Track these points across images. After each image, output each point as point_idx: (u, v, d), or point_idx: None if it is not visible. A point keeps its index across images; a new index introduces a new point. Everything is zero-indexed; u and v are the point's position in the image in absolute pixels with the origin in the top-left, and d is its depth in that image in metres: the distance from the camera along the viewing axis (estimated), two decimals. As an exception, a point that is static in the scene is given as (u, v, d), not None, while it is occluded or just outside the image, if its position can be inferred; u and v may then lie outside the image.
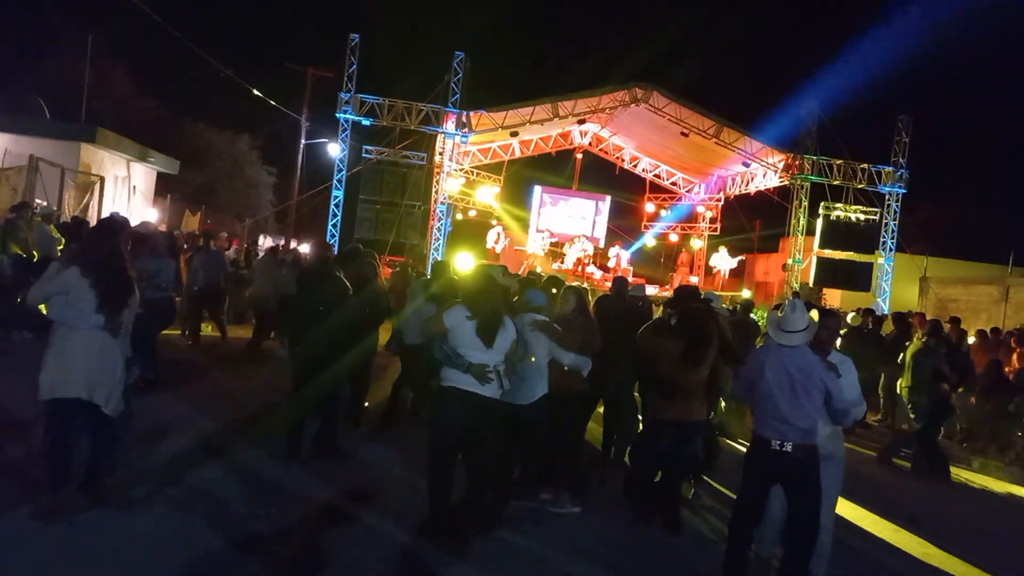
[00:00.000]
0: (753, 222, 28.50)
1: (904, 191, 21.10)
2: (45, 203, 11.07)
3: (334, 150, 20.42)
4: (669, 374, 5.17)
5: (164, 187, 20.51)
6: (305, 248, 24.96)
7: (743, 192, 24.55)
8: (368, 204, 19.94)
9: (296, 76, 24.53)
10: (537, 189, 25.13)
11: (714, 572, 4.43)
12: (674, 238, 26.92)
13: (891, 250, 21.29)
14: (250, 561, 4.09)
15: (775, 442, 4.19)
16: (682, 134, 21.35)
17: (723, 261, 24.02)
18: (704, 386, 5.25)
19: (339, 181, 19.92)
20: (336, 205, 19.93)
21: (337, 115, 19.50)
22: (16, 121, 14.85)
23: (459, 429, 4.50)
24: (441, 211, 20.74)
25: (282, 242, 22.41)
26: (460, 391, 4.44)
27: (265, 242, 21.91)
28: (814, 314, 4.58)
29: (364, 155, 19.93)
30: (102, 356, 4.27)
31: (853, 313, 12.07)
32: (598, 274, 22.33)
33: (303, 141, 25.23)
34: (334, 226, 19.86)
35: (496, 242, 23.36)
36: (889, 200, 21.24)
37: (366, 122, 19.55)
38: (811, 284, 21.95)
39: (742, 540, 4.42)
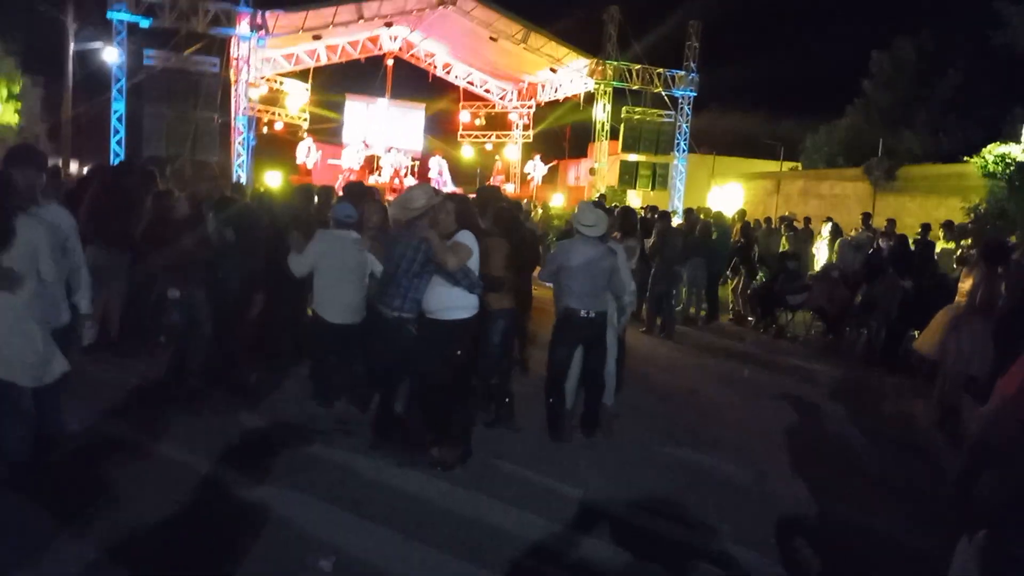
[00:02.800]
0: (564, 128, 29.41)
1: (695, 94, 22.59)
2: None
3: (111, 55, 18.17)
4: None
5: None
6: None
7: (552, 98, 25.14)
8: (156, 116, 18.12)
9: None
10: (352, 99, 24.10)
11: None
12: (489, 147, 27.18)
13: (684, 151, 22.91)
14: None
15: (583, 312, 5.15)
16: (491, 39, 21.25)
17: (537, 168, 24.73)
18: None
19: (119, 91, 17.86)
20: (118, 119, 17.92)
21: (109, 15, 17.28)
22: None
23: None
24: (243, 123, 19.32)
25: (59, 163, 19.94)
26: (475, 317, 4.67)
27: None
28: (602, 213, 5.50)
29: (146, 61, 17.92)
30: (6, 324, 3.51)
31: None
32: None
33: (71, 45, 22.15)
34: (118, 142, 17.93)
35: (307, 156, 22.35)
36: (682, 103, 22.70)
37: (144, 23, 17.48)
38: (616, 186, 23.30)
39: (562, 396, 5.34)
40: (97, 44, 20.73)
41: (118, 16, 17.18)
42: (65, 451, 4.27)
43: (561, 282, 5.28)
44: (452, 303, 4.52)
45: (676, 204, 22.60)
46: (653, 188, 23.48)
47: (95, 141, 22.39)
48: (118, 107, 17.87)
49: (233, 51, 19.15)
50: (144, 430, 4.83)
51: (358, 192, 6.45)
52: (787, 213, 15.15)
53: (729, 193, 19.82)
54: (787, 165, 23.47)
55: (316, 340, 5.36)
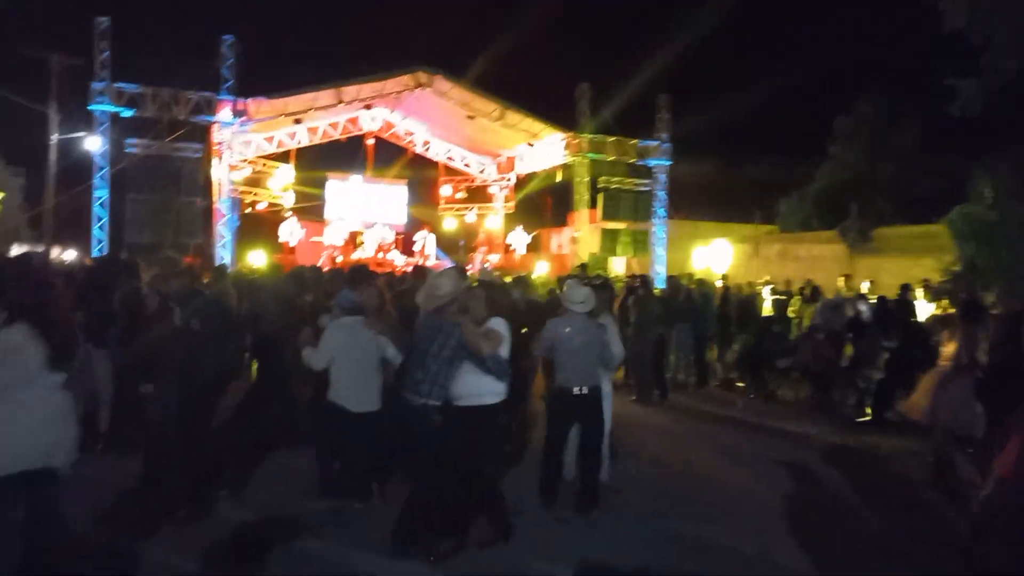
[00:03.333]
0: (544, 198, 29.91)
1: (669, 163, 23.15)
2: None
3: (93, 144, 18.40)
4: None
5: None
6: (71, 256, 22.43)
7: (531, 171, 25.67)
8: (138, 203, 18.26)
9: (39, 65, 21.68)
10: (332, 180, 24.47)
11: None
12: (472, 218, 27.54)
13: (662, 217, 23.31)
14: None
15: (575, 389, 5.26)
16: (468, 117, 21.82)
17: (519, 238, 25.05)
18: None
19: (101, 178, 18.01)
20: (101, 205, 18.01)
21: (91, 108, 17.58)
22: None
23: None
24: (225, 206, 19.46)
25: (40, 249, 19.89)
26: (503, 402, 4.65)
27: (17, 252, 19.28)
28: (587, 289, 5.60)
29: (128, 149, 18.15)
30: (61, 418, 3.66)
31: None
32: (400, 260, 22.29)
33: (54, 137, 22.42)
34: (100, 228, 17.96)
35: (290, 234, 22.50)
36: (657, 172, 23.23)
37: (126, 113, 17.79)
38: (599, 253, 23.57)
39: (556, 469, 5.47)
40: (79, 134, 21.05)
41: (101, 108, 17.48)
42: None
43: (555, 358, 5.45)
44: (481, 389, 4.50)
45: (657, 269, 22.87)
46: (635, 254, 23.81)
47: (77, 229, 22.47)
48: (101, 194, 17.98)
49: (215, 136, 19.48)
50: (128, 531, 4.67)
51: (362, 275, 6.30)
52: (766, 278, 15.35)
53: (713, 254, 20.09)
54: (763, 228, 23.95)
55: (335, 431, 5.17)
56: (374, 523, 4.78)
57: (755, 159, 27.25)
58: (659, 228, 23.38)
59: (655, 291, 11.80)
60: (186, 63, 18.58)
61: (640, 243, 23.60)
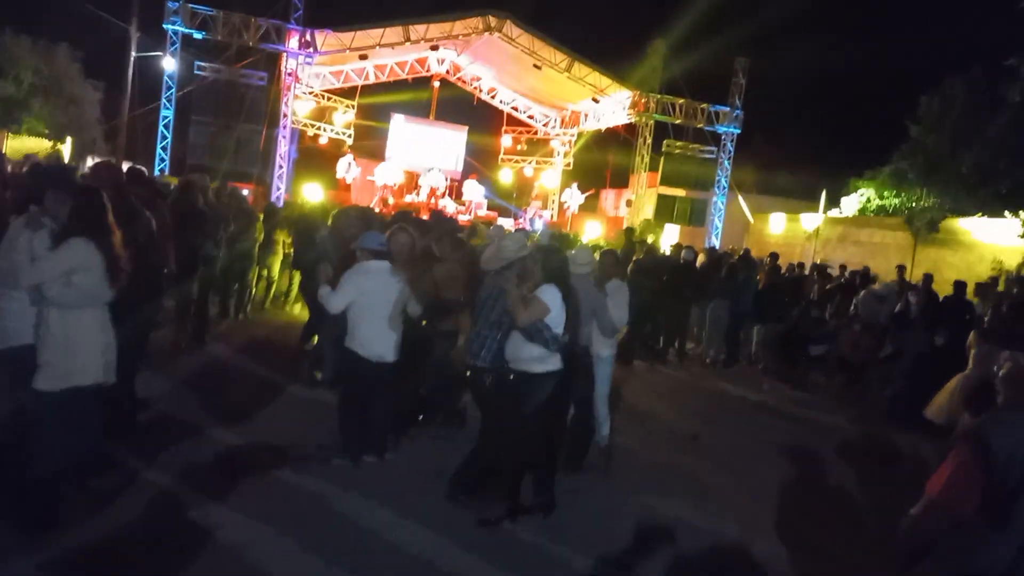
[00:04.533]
0: (605, 156, 29.34)
1: (738, 131, 22.29)
2: None
3: (167, 64, 18.84)
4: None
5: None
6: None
7: (595, 128, 25.11)
8: (201, 126, 18.73)
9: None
10: (397, 117, 24.44)
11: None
12: (529, 172, 27.25)
13: (724, 189, 22.60)
14: None
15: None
16: (535, 66, 21.39)
17: (573, 197, 24.68)
18: None
19: (168, 99, 18.45)
20: (165, 126, 18.50)
21: (164, 26, 17.91)
22: None
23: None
24: (286, 137, 19.73)
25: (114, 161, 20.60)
26: (554, 373, 4.45)
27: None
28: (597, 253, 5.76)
29: (196, 72, 18.50)
30: (107, 331, 3.82)
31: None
32: (451, 207, 22.27)
33: (133, 54, 22.99)
34: (163, 149, 18.48)
35: (347, 171, 22.68)
36: (725, 140, 22.43)
37: (198, 35, 18.09)
38: (651, 219, 23.08)
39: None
40: (155, 53, 21.53)
41: (173, 28, 17.79)
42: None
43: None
44: (532, 355, 4.40)
45: (712, 242, 22.28)
46: (690, 224, 23.24)
47: (147, 146, 23.19)
48: (166, 115, 18.44)
49: (283, 66, 19.65)
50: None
51: (404, 220, 6.21)
52: (820, 260, 14.73)
53: (768, 232, 19.43)
54: (827, 208, 22.98)
55: (351, 378, 5.11)
56: (379, 475, 4.84)
57: (828, 135, 26.01)
58: (719, 198, 22.69)
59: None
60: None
61: (697, 213, 22.99)
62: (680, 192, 22.91)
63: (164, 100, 18.44)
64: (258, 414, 5.85)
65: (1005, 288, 12.00)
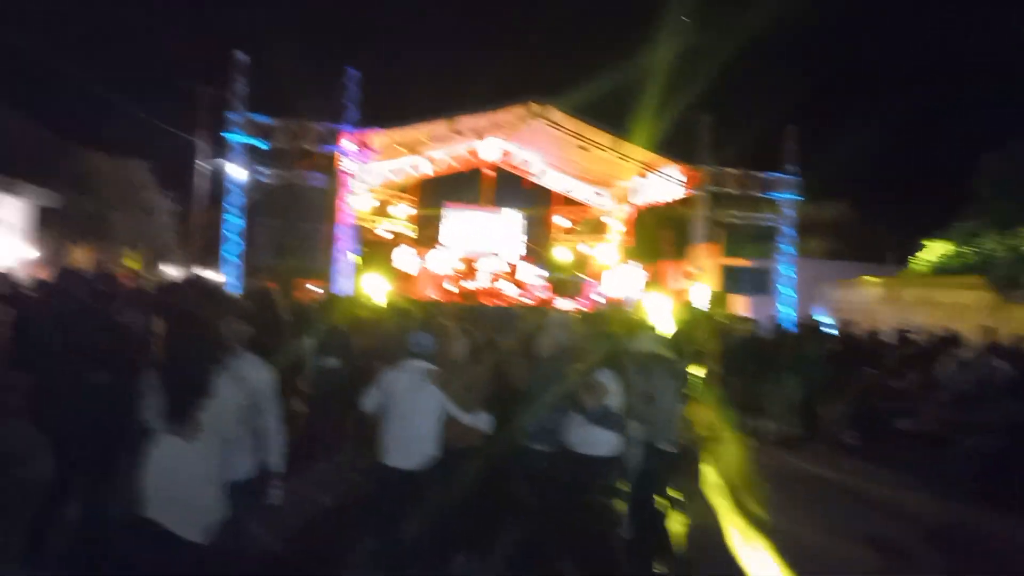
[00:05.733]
0: (662, 231, 29.04)
1: (796, 197, 21.78)
2: None
3: (232, 171, 19.86)
4: None
5: (50, 221, 19.43)
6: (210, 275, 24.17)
7: (648, 203, 24.98)
8: (266, 228, 19.41)
9: (189, 96, 23.82)
10: (450, 206, 25.03)
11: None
12: (585, 249, 27.16)
13: (788, 254, 21.91)
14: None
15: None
16: (580, 147, 21.61)
17: (631, 273, 24.36)
18: None
19: (233, 205, 19.33)
20: (232, 229, 19.30)
21: (227, 137, 18.95)
22: None
23: None
24: (346, 233, 20.29)
25: (184, 269, 21.62)
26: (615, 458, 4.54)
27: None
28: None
29: (260, 177, 19.39)
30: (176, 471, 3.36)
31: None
32: (511, 290, 22.28)
33: (199, 163, 24.48)
34: (231, 252, 19.21)
35: (406, 262, 23.06)
36: (783, 206, 21.91)
37: (258, 143, 19.05)
38: (720, 291, 22.46)
39: None
40: (220, 160, 22.82)
41: (235, 138, 18.80)
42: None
43: None
44: (593, 438, 4.37)
45: (780, 309, 21.50)
46: (756, 293, 22.52)
47: (216, 250, 24.27)
48: (232, 219, 19.27)
49: (340, 165, 20.43)
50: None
51: (434, 316, 6.04)
52: (897, 324, 13.91)
53: (840, 298, 18.60)
54: (897, 271, 21.95)
55: (378, 492, 4.77)
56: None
57: (889, 196, 25.16)
58: (784, 266, 21.98)
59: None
60: (313, 95, 19.65)
61: (762, 281, 22.27)
62: (744, 262, 22.33)
63: (230, 206, 19.31)
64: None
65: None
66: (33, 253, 16.10)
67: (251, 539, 4.04)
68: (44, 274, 11.49)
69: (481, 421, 4.65)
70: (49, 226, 18.96)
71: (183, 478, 3.29)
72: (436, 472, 4.57)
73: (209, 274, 26.23)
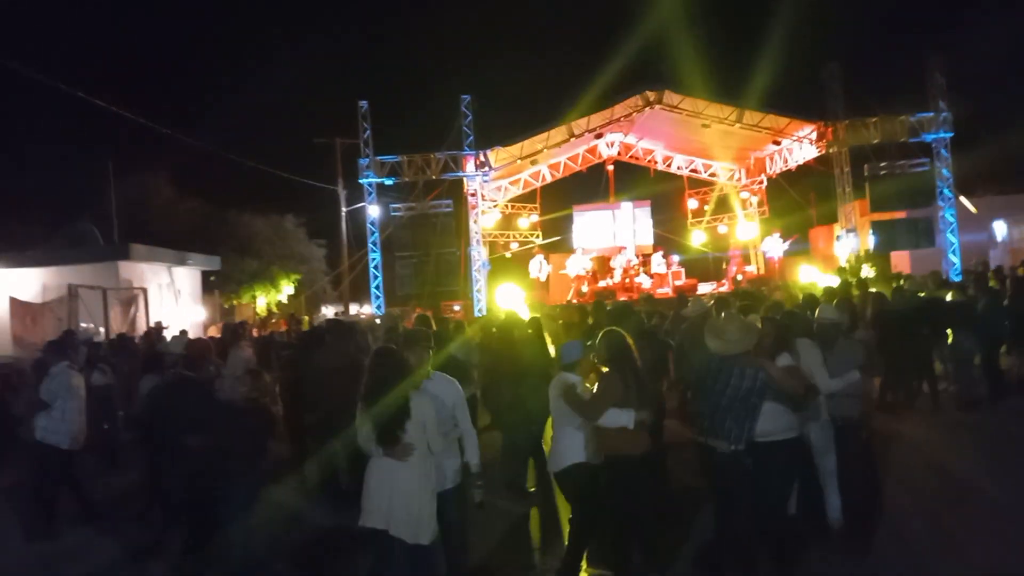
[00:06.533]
0: (805, 195, 27.43)
1: (951, 135, 19.86)
2: (90, 325, 11.86)
3: (370, 212, 21.07)
4: None
5: (216, 282, 21.59)
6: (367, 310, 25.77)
7: (785, 169, 23.70)
8: (404, 259, 20.39)
9: (325, 148, 25.59)
10: (577, 209, 25.03)
11: None
12: (723, 229, 26.21)
13: (949, 199, 20.02)
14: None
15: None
16: (703, 126, 20.93)
17: (775, 245, 23.23)
18: None
19: (373, 243, 20.50)
20: (375, 267, 20.48)
21: (360, 181, 20.14)
22: (50, 254, 15.91)
23: None
24: (476, 252, 20.90)
25: (340, 309, 23.18)
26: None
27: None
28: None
29: (392, 212, 20.45)
30: (395, 487, 3.88)
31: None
32: (647, 283, 21.93)
33: (344, 209, 26.17)
34: (376, 287, 20.39)
35: (539, 271, 23.32)
36: (937, 147, 20.05)
37: (389, 182, 20.13)
38: (871, 250, 20.88)
39: None
40: (359, 204, 24.29)
41: (367, 181, 19.96)
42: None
43: None
44: (787, 423, 4.47)
45: (951, 259, 19.68)
46: (918, 247, 20.72)
47: (365, 287, 25.90)
48: (374, 256, 20.45)
49: (465, 189, 21.12)
50: None
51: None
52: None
53: (1020, 237, 16.62)
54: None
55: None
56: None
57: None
58: (947, 211, 20.09)
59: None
60: (432, 127, 20.54)
61: (923, 232, 20.43)
62: (899, 215, 20.59)
63: (371, 244, 20.51)
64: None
65: None
66: (201, 312, 17.95)
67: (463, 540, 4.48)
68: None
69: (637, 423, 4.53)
70: (216, 287, 21.02)
71: (401, 491, 3.81)
72: (585, 477, 4.62)
73: (365, 309, 28.05)
